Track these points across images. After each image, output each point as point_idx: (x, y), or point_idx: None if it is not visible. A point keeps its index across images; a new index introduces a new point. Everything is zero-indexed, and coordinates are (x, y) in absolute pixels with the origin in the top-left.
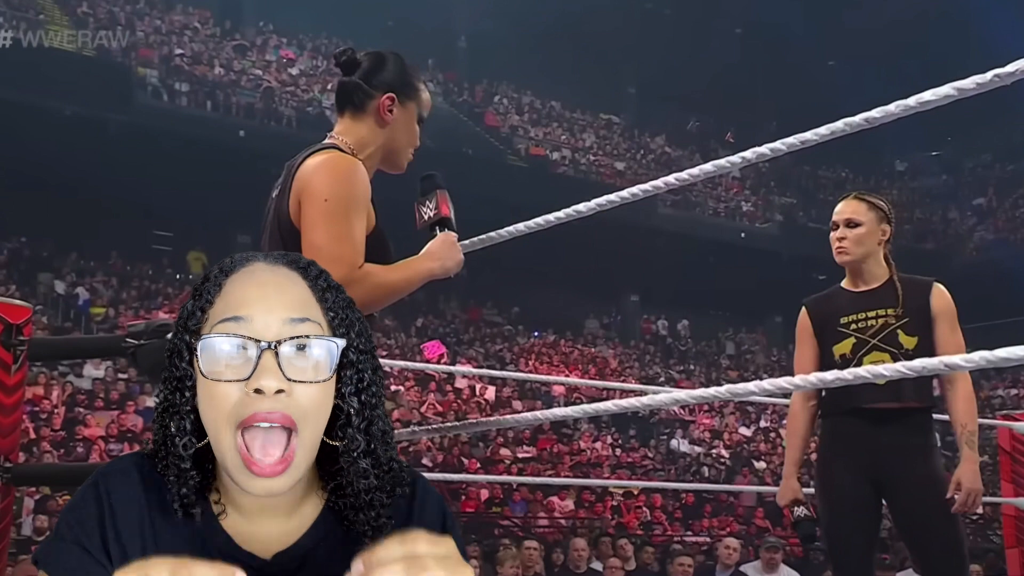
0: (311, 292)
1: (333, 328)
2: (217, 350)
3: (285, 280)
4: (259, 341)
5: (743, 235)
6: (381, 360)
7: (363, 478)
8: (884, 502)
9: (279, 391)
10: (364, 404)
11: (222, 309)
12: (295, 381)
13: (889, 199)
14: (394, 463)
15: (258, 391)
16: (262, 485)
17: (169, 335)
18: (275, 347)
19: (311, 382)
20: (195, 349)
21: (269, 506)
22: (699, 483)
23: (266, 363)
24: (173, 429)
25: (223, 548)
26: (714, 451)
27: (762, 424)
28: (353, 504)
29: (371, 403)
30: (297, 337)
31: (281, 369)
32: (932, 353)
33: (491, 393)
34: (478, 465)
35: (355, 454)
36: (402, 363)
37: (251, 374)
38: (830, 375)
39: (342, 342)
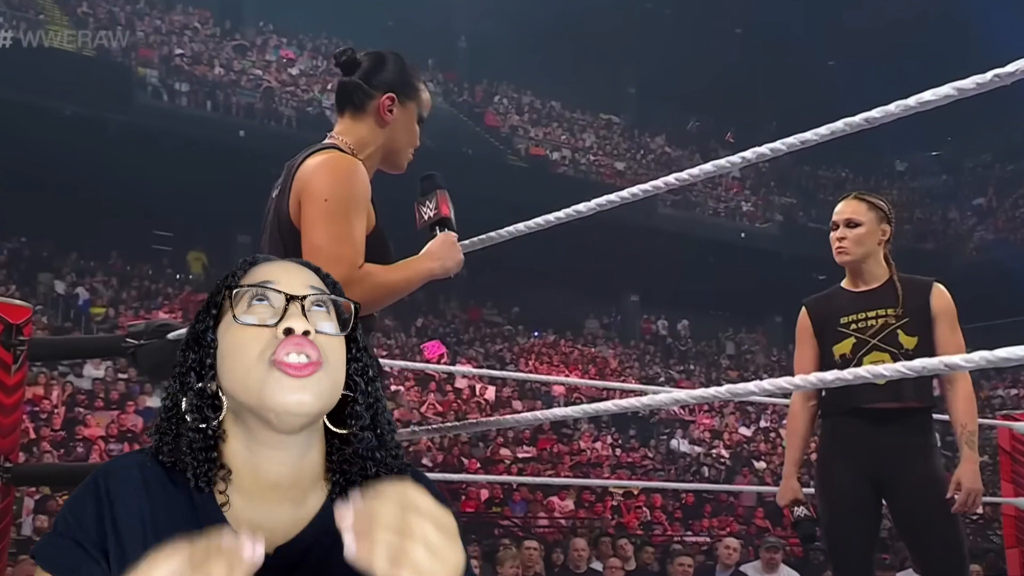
0: (324, 287)
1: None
2: (250, 301)
3: (303, 267)
4: (286, 294)
5: (743, 235)
6: (381, 360)
7: (368, 451)
8: (884, 502)
9: (306, 332)
10: (369, 394)
11: (249, 280)
12: (320, 332)
13: (889, 199)
14: (398, 450)
15: (288, 331)
16: (294, 393)
17: (170, 335)
18: (301, 299)
19: (333, 334)
20: (221, 314)
21: (279, 487)
22: (699, 483)
23: (293, 310)
24: (187, 404)
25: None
26: (714, 451)
27: (762, 424)
28: (353, 478)
29: (376, 395)
30: (319, 293)
31: (306, 318)
32: (932, 353)
33: (491, 393)
34: (478, 465)
35: (362, 430)
36: (402, 363)
37: (280, 319)
38: (830, 375)
39: (356, 304)
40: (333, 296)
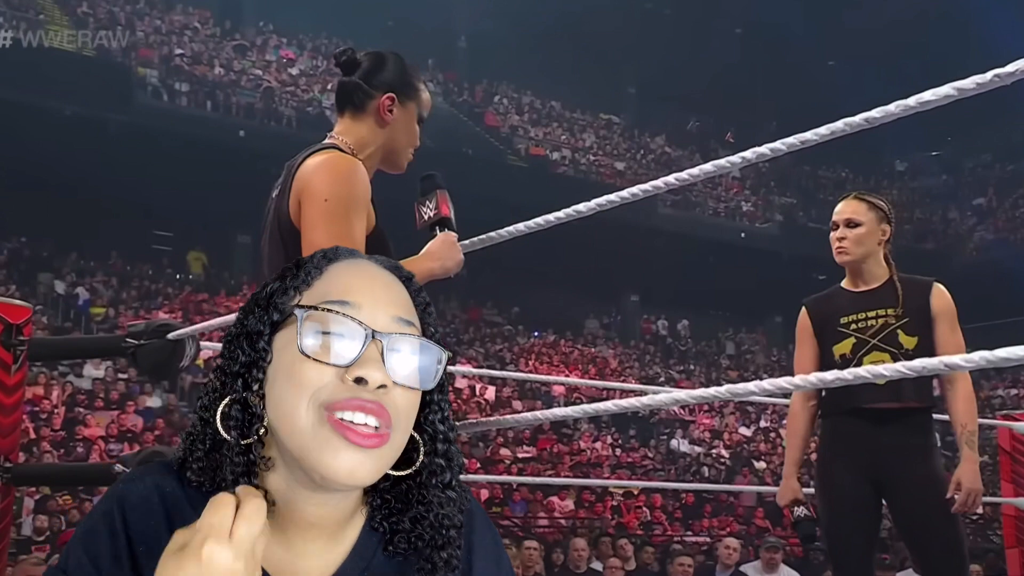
0: (413, 303)
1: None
2: (321, 327)
3: (391, 280)
4: (370, 329)
5: (743, 235)
6: None
7: (449, 516)
8: (884, 502)
9: (381, 386)
10: (446, 435)
11: (325, 290)
12: (398, 384)
13: (889, 199)
14: (466, 496)
15: (360, 380)
16: (349, 461)
17: (170, 335)
18: (385, 339)
19: (412, 388)
20: (283, 325)
21: (316, 526)
22: (699, 483)
23: (371, 353)
24: (236, 428)
25: None
26: (714, 451)
27: (762, 424)
28: (434, 544)
29: (451, 437)
30: (408, 335)
31: (385, 364)
32: (932, 353)
33: (491, 393)
34: (478, 465)
35: (442, 487)
36: None
37: (354, 360)
38: (830, 375)
39: (447, 354)
40: (425, 341)
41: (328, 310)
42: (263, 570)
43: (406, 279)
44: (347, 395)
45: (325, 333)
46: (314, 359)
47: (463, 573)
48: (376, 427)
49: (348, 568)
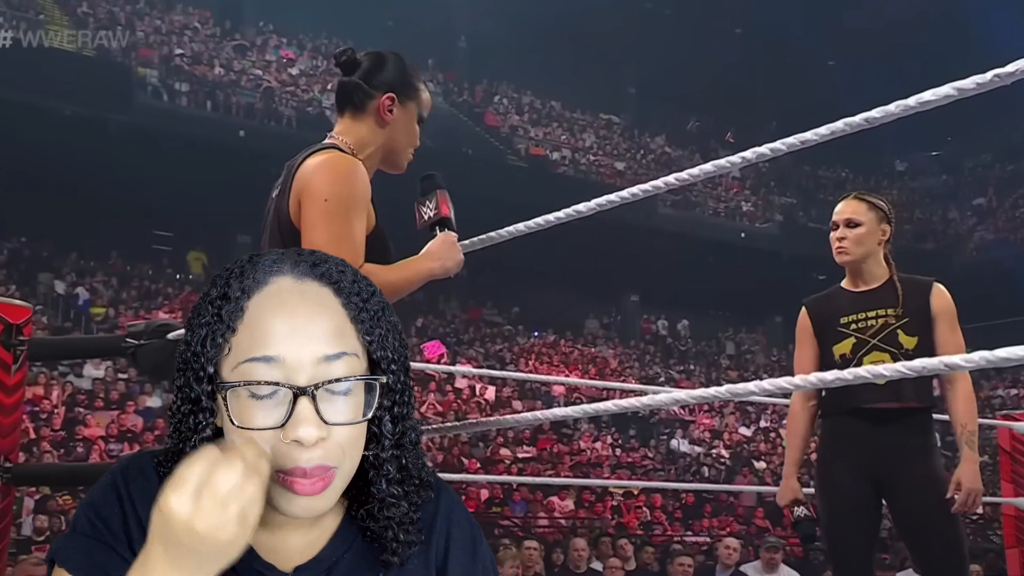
0: (345, 314)
1: (371, 354)
2: (246, 398)
3: (316, 305)
4: (293, 388)
5: (743, 235)
6: None
7: (393, 505)
8: (884, 502)
9: (319, 439)
10: (396, 418)
11: (247, 343)
12: (333, 424)
13: (889, 199)
14: (423, 474)
15: (296, 441)
16: (303, 505)
17: (170, 335)
18: (312, 392)
19: (350, 423)
20: (217, 385)
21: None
22: (699, 483)
23: (302, 410)
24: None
25: (243, 558)
26: (714, 451)
27: (762, 424)
28: (383, 525)
29: (403, 414)
30: (336, 380)
31: (319, 413)
32: (932, 353)
33: (491, 393)
34: (478, 465)
35: (385, 479)
36: None
37: (285, 421)
38: (830, 375)
39: (383, 379)
40: (355, 380)
41: (248, 383)
42: (250, 546)
43: (336, 284)
44: (290, 464)
45: (254, 400)
46: (251, 429)
47: (439, 564)
48: (321, 471)
49: (330, 551)
